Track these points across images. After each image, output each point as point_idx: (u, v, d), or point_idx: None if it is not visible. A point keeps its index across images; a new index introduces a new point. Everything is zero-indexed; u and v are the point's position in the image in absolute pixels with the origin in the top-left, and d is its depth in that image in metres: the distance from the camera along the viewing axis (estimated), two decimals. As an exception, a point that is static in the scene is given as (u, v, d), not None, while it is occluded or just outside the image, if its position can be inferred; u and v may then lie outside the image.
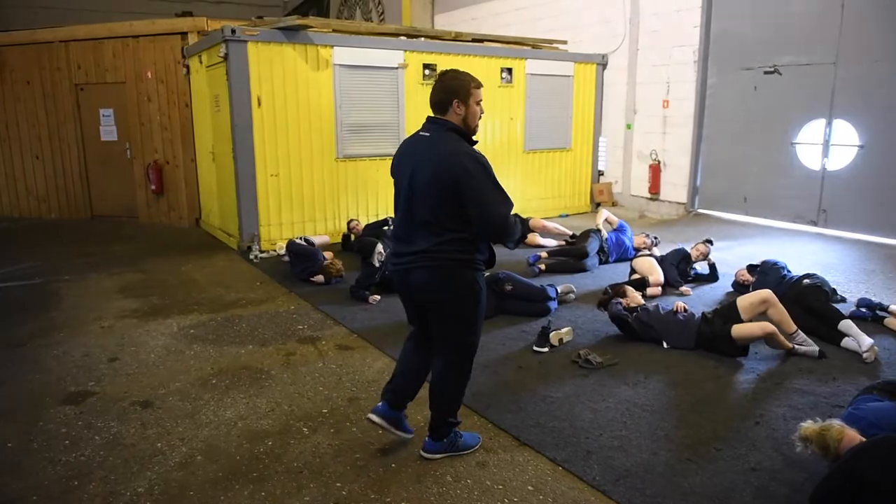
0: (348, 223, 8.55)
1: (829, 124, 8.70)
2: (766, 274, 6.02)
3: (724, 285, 6.65)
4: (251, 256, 7.87)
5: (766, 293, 4.97)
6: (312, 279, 6.80)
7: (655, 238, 7.69)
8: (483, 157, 3.07)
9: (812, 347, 4.78)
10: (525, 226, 8.33)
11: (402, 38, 9.36)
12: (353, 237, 8.18)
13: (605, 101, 11.39)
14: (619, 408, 3.95)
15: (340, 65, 8.49)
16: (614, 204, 11.16)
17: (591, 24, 11.54)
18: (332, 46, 8.40)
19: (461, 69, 3.25)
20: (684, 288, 6.44)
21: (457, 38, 9.96)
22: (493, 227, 3.01)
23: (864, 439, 2.94)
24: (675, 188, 10.49)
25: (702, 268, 6.93)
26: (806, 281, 5.54)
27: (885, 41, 8.02)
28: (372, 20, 17.47)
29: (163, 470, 3.33)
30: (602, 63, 11.19)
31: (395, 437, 3.50)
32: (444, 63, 9.14)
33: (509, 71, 10.02)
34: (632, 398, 4.09)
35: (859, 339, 4.79)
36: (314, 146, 8.46)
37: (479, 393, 4.14)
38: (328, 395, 4.20)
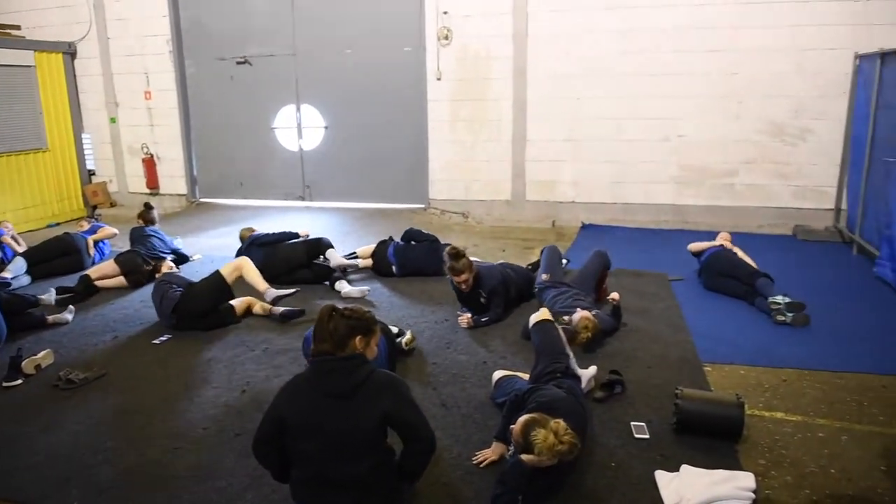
0: None
1: (298, 109, 9.82)
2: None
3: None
4: None
5: (242, 259, 5.56)
6: None
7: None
8: None
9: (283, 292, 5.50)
10: None
11: None
12: None
13: (83, 94, 10.44)
14: (105, 419, 3.80)
15: None
16: (112, 205, 10.43)
17: (51, 7, 10.30)
18: None
19: None
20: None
21: None
22: None
23: None
24: (174, 180, 10.41)
25: None
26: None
27: (330, 35, 9.38)
28: None
29: None
30: (70, 52, 10.17)
31: None
32: None
33: (-60, 61, 8.26)
34: (121, 405, 3.98)
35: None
36: None
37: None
38: None
